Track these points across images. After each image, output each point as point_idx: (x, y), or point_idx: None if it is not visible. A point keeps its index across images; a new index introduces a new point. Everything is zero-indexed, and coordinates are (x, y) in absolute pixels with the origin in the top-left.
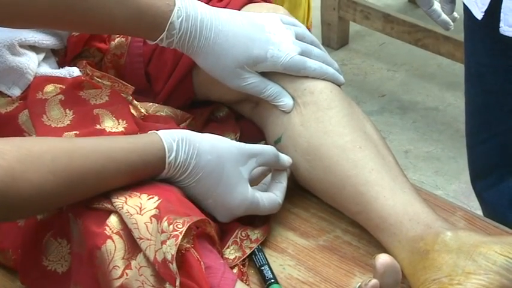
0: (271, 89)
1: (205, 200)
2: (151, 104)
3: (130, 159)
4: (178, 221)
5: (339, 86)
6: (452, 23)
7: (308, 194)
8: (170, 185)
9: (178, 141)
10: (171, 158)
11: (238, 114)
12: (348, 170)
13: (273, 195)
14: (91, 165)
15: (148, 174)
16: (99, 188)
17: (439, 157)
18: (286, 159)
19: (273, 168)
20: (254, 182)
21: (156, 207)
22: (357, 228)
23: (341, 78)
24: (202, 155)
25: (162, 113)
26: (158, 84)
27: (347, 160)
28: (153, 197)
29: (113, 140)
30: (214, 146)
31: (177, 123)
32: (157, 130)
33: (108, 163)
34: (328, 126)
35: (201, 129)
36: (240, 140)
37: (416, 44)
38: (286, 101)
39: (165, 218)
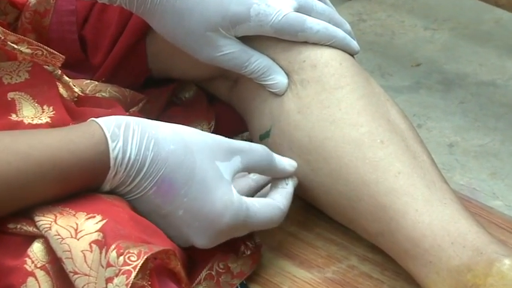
0: (257, 61)
1: (174, 212)
2: (88, 81)
3: (59, 158)
4: (132, 251)
5: (352, 55)
6: None
7: (311, 208)
8: (120, 198)
9: (126, 127)
10: (117, 150)
11: (211, 94)
12: (364, 174)
13: (269, 200)
14: (3, 169)
15: (88, 180)
16: (18, 202)
17: (497, 153)
18: (286, 162)
19: (268, 175)
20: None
21: (98, 230)
22: (379, 254)
23: (354, 44)
24: (161, 144)
25: (104, 94)
26: (97, 55)
27: (363, 160)
28: (94, 216)
29: (33, 134)
30: (177, 133)
31: (125, 108)
32: (96, 117)
33: (27, 165)
34: (336, 112)
35: (158, 116)
36: (216, 132)
37: None
38: (277, 78)
39: (112, 246)
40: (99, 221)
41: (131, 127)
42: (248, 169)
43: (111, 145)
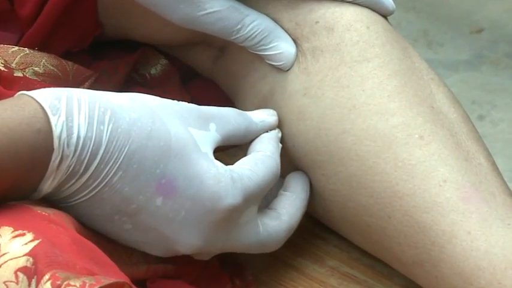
0: (253, 23)
1: (148, 203)
2: (15, 49)
3: None
4: (73, 283)
5: (385, 17)
6: None
7: (322, 229)
8: (60, 214)
9: (68, 99)
10: (60, 127)
11: (186, 70)
12: (396, 182)
13: (253, 155)
14: None
15: (25, 171)
16: None
17: None
18: (263, 114)
19: (248, 141)
20: None
21: (28, 254)
22: None
23: (388, 0)
24: (119, 114)
25: (37, 68)
26: (27, 3)
27: (395, 163)
28: (23, 234)
29: None
30: (135, 98)
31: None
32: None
33: None
34: (358, 95)
35: None
36: None
37: None
38: (282, 46)
39: (46, 276)
40: (30, 240)
41: (74, 98)
42: (226, 139)
43: (52, 121)
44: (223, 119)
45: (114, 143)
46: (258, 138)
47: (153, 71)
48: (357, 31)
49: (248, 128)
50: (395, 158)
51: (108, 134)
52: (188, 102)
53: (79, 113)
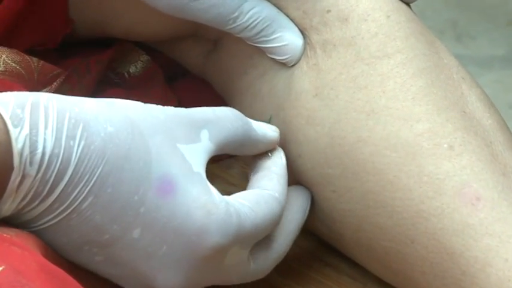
0: (252, 11)
1: (124, 234)
2: None
3: None
4: None
5: (408, 4)
6: None
7: (332, 255)
8: (25, 235)
9: (34, 107)
10: (22, 141)
11: (172, 66)
12: (420, 200)
13: (257, 191)
14: None
15: None
16: None
17: None
18: (265, 125)
19: (246, 152)
20: None
21: None
22: None
23: None
24: (93, 127)
25: None
26: None
27: (419, 178)
28: None
29: None
30: (114, 106)
31: (31, 89)
32: None
33: None
34: (377, 97)
35: None
36: None
37: None
38: (286, 38)
39: None
40: None
41: (41, 105)
42: (221, 147)
43: (12, 133)
44: (218, 124)
45: (86, 162)
46: (266, 174)
47: (132, 69)
48: (376, 21)
49: (247, 135)
50: (420, 171)
51: (78, 152)
52: (175, 105)
53: (45, 126)
